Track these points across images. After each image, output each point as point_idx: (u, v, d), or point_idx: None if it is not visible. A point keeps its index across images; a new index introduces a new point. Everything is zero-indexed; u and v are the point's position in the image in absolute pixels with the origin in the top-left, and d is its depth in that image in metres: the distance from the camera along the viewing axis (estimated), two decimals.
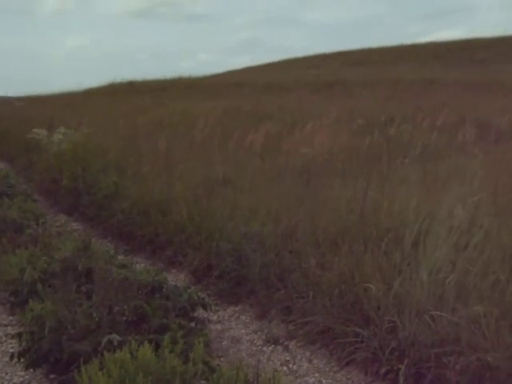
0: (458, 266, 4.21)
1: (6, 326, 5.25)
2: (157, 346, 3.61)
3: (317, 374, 4.33)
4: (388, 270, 4.50)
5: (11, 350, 4.49)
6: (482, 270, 4.22)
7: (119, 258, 6.18)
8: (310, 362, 4.50)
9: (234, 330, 5.14)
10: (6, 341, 4.93)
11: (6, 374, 4.35)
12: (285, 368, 4.45)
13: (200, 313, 5.05)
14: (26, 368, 4.16)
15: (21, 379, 4.28)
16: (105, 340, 3.89)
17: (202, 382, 3.37)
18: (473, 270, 4.18)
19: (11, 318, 5.37)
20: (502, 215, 5.36)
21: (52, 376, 4.10)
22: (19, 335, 4.26)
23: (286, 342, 4.78)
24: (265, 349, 4.77)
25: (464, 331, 3.78)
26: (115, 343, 3.83)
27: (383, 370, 4.00)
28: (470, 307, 3.87)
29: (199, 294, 5.21)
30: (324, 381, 4.25)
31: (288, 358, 4.58)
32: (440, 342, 3.86)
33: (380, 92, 18.86)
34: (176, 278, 6.26)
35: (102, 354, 3.45)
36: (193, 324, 4.72)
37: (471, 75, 23.12)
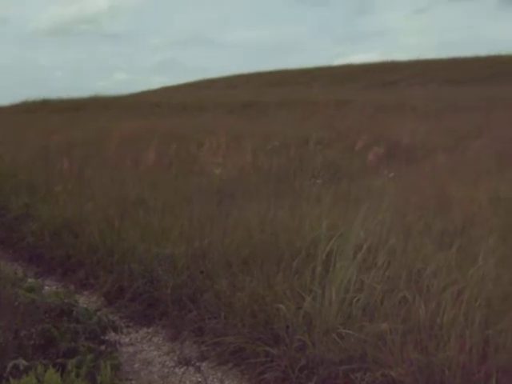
0: (364, 285, 4.30)
1: None
2: (64, 370, 3.54)
3: None
4: (299, 290, 4.55)
5: None
6: (389, 288, 4.34)
7: (28, 280, 6.03)
8: (221, 382, 4.48)
9: (146, 352, 5.08)
10: None
11: None
12: None
13: (112, 336, 4.97)
14: None
15: None
16: (10, 365, 3.78)
17: None
18: (379, 288, 4.28)
19: None
20: (409, 234, 5.52)
21: None
22: None
23: (197, 363, 4.76)
24: (177, 370, 4.73)
25: (370, 348, 3.87)
26: (21, 368, 3.73)
27: None
28: (377, 324, 3.97)
29: (110, 316, 5.13)
30: None
31: (200, 379, 4.56)
32: (348, 359, 3.93)
33: (295, 113, 19.13)
34: (88, 301, 6.15)
35: (8, 380, 3.36)
36: (103, 347, 4.64)
37: (385, 97, 23.73)
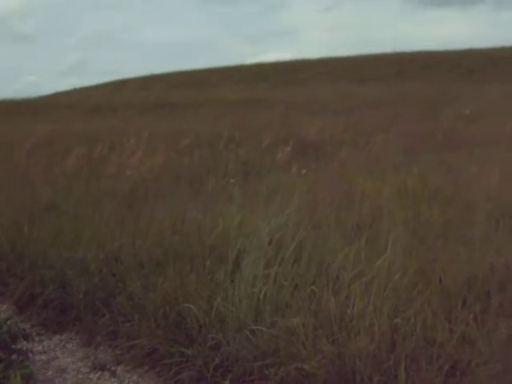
0: (274, 280, 4.36)
1: None
2: None
3: None
4: (210, 289, 4.57)
5: None
6: (299, 282, 4.41)
7: None
8: None
9: (60, 360, 4.98)
10: None
11: None
12: None
13: (23, 344, 4.86)
14: None
15: None
16: None
17: None
18: (288, 283, 4.35)
19: None
20: (319, 228, 5.62)
21: None
22: None
23: (113, 368, 4.70)
24: (92, 376, 4.66)
25: (283, 343, 3.92)
26: None
27: None
28: (288, 319, 4.03)
29: (21, 324, 5.02)
30: None
31: None
32: (262, 355, 3.97)
33: (208, 112, 19.15)
34: None
35: None
36: (14, 356, 4.53)
37: (296, 95, 24.04)
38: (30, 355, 4.77)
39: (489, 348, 3.58)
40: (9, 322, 4.81)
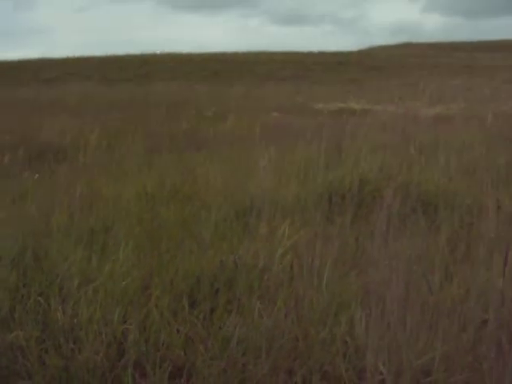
0: None
1: None
2: None
3: None
4: None
5: None
6: (25, 293, 4.19)
7: None
8: None
9: None
10: None
11: None
12: None
13: None
14: None
15: None
16: None
17: None
18: (13, 295, 4.12)
19: None
20: (50, 235, 5.40)
21: None
22: None
23: None
24: None
25: (6, 359, 3.68)
26: None
27: None
28: (10, 334, 3.79)
29: None
30: None
31: None
32: None
33: None
34: None
35: None
36: None
37: (39, 95, 23.17)
38: None
39: (214, 346, 3.63)
40: None
